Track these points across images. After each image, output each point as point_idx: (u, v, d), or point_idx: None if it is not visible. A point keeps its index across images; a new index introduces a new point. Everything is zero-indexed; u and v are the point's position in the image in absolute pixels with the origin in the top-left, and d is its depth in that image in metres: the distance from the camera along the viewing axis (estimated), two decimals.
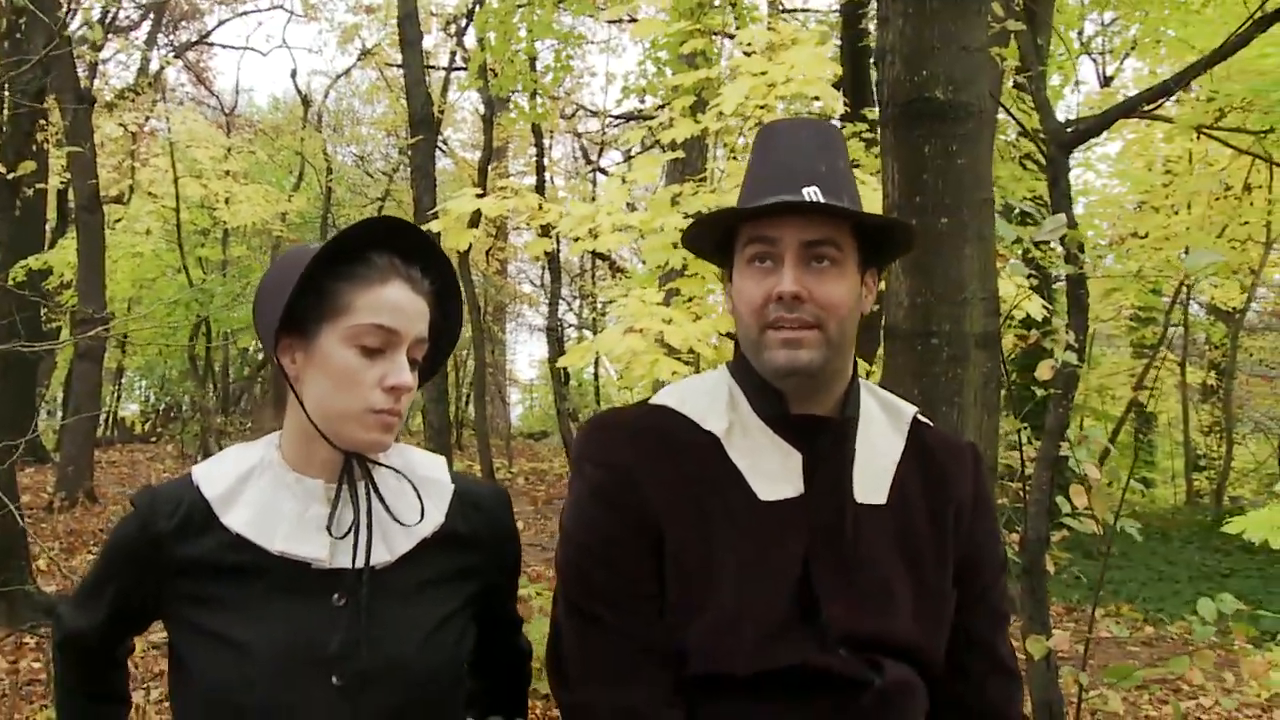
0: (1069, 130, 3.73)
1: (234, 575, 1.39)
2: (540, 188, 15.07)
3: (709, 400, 1.57)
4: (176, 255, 15.16)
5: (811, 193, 1.44)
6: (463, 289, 1.56)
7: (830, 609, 1.44)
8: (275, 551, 1.40)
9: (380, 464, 1.49)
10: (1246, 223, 10.79)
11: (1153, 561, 10.50)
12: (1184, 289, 10.86)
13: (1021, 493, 3.25)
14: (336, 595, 1.41)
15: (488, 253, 20.07)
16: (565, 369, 19.31)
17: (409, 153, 9.47)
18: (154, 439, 18.25)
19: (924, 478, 1.59)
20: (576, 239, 5.07)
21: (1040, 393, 3.37)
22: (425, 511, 1.49)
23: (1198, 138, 8.97)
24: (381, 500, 1.46)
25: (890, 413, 1.64)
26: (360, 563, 1.42)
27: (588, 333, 23.29)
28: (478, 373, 14.68)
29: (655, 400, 1.60)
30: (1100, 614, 7.36)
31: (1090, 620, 3.30)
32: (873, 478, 1.54)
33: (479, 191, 5.28)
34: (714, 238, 1.57)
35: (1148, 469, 15.18)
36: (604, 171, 21.33)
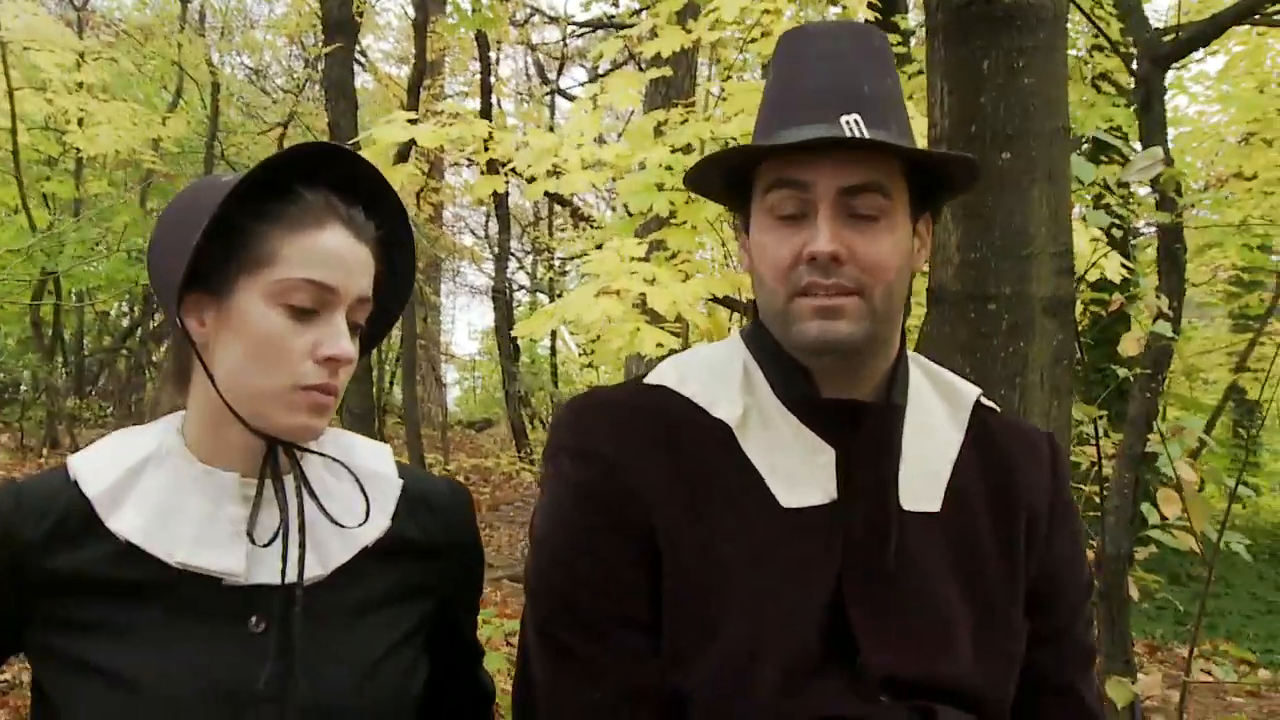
0: (1166, 39, 3.72)
1: (122, 594, 1.38)
2: (486, 112, 14.99)
3: (718, 379, 1.57)
4: (14, 191, 14.93)
5: (852, 123, 1.43)
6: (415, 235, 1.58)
7: (869, 645, 1.45)
8: (176, 563, 1.39)
9: (312, 452, 1.49)
10: None
11: (1261, 589, 10.51)
12: None
13: (1098, 498, 3.27)
14: (255, 619, 1.41)
15: (419, 194, 19.95)
16: (516, 342, 19.28)
17: (320, 65, 9.36)
18: None
19: (989, 478, 1.60)
20: (533, 179, 5.05)
21: (1121, 373, 3.38)
22: (368, 512, 1.49)
23: None
24: (315, 498, 1.46)
25: (947, 396, 1.65)
26: (289, 576, 1.42)
27: (542, 296, 23.24)
28: (407, 346, 14.64)
29: (651, 379, 1.61)
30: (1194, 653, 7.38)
31: (1188, 660, 3.31)
32: (924, 479, 1.55)
33: (412, 116, 5.24)
34: (724, 177, 1.57)
35: (1252, 472, 15.25)
36: (565, 94, 21.22)
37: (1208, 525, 2.98)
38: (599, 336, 4.53)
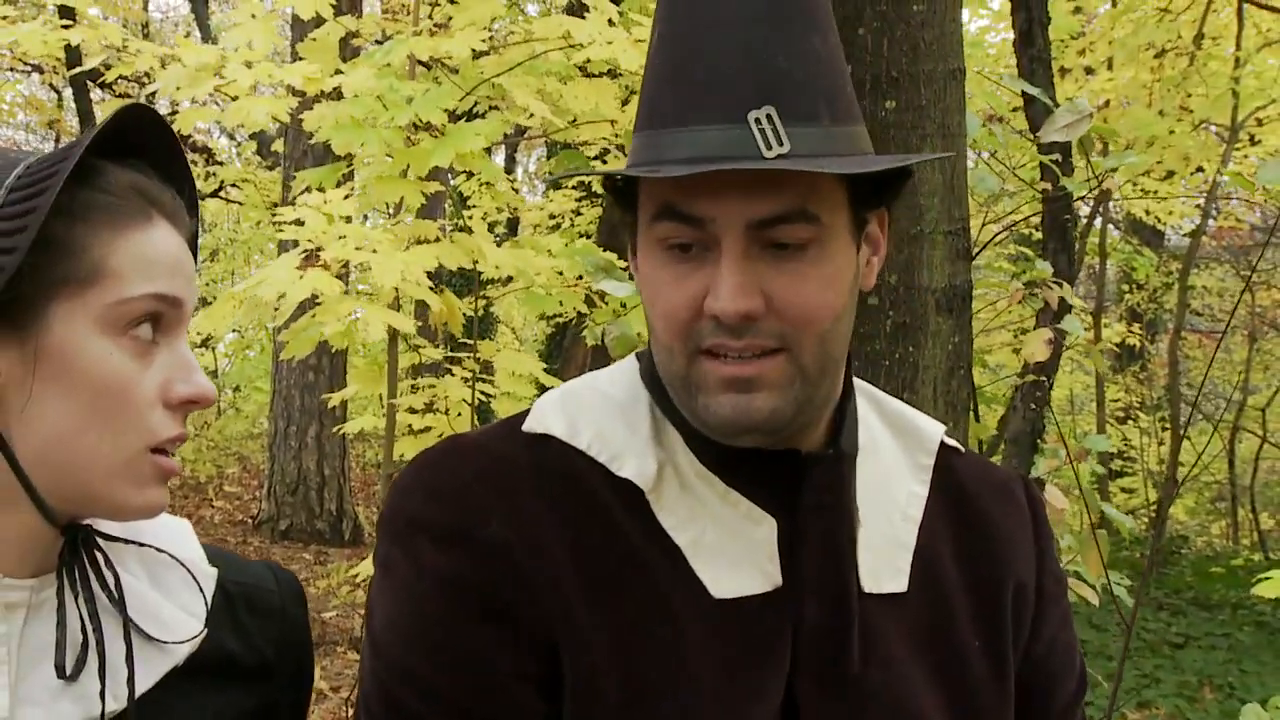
0: None
1: None
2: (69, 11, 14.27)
3: (621, 426, 1.50)
4: None
5: (764, 120, 1.33)
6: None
7: None
8: None
9: (122, 540, 1.41)
10: (1190, 95, 11.22)
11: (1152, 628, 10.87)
12: (1102, 197, 11.52)
13: None
14: None
15: None
16: None
17: None
18: None
19: (961, 544, 1.60)
20: (193, 101, 4.85)
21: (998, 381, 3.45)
22: (207, 617, 1.44)
23: None
24: (120, 603, 1.37)
25: (904, 437, 1.63)
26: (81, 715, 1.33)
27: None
28: None
29: (532, 425, 1.51)
30: None
31: None
32: (885, 550, 1.53)
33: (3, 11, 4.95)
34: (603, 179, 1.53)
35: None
36: None
37: (1119, 585, 3.05)
38: (288, 325, 4.37)
